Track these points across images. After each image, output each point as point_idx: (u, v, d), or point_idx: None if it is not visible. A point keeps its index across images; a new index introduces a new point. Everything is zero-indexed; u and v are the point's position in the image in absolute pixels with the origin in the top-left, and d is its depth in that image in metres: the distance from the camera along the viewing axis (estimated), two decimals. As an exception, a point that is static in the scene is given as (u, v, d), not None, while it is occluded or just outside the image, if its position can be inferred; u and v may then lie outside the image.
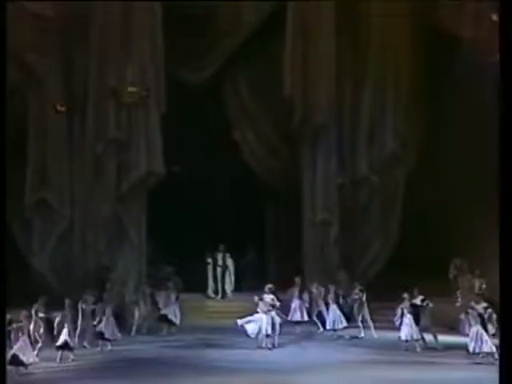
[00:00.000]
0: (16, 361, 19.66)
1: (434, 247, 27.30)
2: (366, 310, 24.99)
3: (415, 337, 22.48)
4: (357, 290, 25.17)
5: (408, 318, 22.57)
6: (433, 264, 26.36)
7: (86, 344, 22.85)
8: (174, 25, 27.28)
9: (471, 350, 20.47)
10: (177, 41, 27.57)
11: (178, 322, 25.45)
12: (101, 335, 22.94)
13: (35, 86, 27.14)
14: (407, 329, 22.49)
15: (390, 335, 24.08)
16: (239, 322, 22.75)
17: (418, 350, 22.23)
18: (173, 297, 25.60)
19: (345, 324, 24.49)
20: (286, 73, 28.23)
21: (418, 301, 23.36)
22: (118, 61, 27.01)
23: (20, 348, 19.80)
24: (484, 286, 25.74)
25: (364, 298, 24.96)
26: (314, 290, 25.62)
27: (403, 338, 22.47)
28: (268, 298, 23.08)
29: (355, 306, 25.05)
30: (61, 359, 21.19)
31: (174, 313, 25.40)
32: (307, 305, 25.59)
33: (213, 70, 28.81)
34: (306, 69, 28.31)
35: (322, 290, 25.31)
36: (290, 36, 28.12)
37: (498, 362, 17.87)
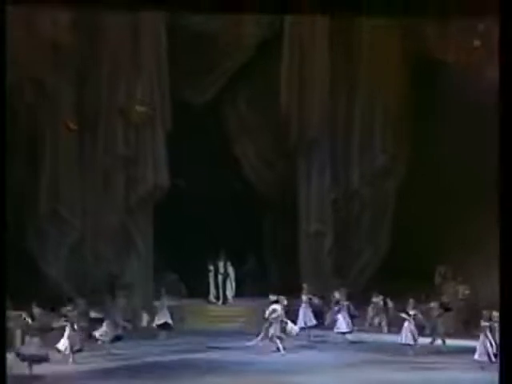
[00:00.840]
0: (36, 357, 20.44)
1: (422, 255, 27.41)
2: (384, 315, 25.91)
3: (410, 341, 22.84)
4: (378, 296, 26.02)
5: (408, 323, 22.95)
6: (420, 271, 26.68)
7: (79, 347, 22.28)
8: (178, 47, 27.91)
9: (477, 357, 20.75)
10: (180, 62, 28.03)
11: (171, 322, 25.86)
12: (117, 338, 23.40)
13: (49, 106, 27.61)
14: (407, 332, 22.83)
15: (386, 338, 25.05)
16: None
17: (411, 352, 22.53)
18: (165, 302, 26.16)
19: (351, 328, 24.93)
20: (283, 92, 28.88)
21: (434, 307, 24.12)
22: (127, 82, 27.80)
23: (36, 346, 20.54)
24: (467, 292, 26.37)
25: (381, 303, 25.88)
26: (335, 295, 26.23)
27: (403, 341, 22.86)
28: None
29: (375, 311, 25.92)
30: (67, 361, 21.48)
31: (165, 317, 25.78)
32: (314, 310, 26.10)
33: (215, 90, 29.27)
34: (302, 87, 28.94)
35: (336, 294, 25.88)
36: (286, 58, 28.86)
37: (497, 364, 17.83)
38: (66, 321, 22.27)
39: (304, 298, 26.00)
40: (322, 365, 21.57)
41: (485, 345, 20.76)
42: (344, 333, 24.96)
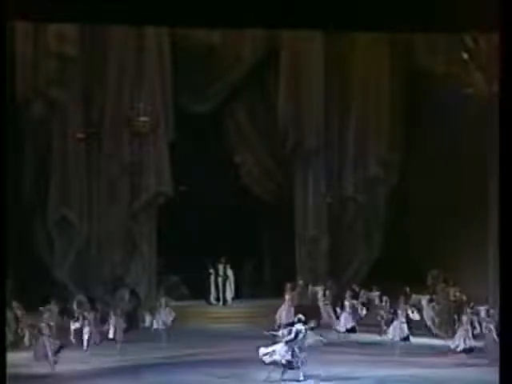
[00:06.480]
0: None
1: (413, 259, 27.65)
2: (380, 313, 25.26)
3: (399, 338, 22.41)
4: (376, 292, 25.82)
5: (398, 321, 22.62)
6: (412, 274, 26.70)
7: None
8: (181, 60, 28.00)
9: (457, 350, 20.75)
10: (183, 74, 28.06)
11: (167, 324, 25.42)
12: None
13: (59, 118, 27.70)
14: (397, 330, 22.38)
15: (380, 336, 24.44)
16: None
17: (402, 350, 22.03)
18: (163, 302, 25.95)
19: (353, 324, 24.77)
20: (280, 104, 29.08)
21: (424, 301, 24.20)
22: (132, 94, 27.83)
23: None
24: (458, 294, 26.00)
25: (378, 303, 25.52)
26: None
27: (394, 339, 22.42)
28: None
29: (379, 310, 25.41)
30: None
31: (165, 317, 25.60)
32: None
33: (216, 102, 29.25)
34: (298, 100, 29.10)
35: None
36: (283, 71, 28.99)
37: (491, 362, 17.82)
38: (76, 321, 22.51)
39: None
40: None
41: (463, 338, 20.70)
42: (348, 330, 24.77)
